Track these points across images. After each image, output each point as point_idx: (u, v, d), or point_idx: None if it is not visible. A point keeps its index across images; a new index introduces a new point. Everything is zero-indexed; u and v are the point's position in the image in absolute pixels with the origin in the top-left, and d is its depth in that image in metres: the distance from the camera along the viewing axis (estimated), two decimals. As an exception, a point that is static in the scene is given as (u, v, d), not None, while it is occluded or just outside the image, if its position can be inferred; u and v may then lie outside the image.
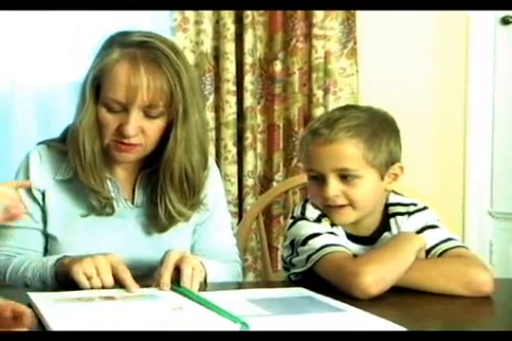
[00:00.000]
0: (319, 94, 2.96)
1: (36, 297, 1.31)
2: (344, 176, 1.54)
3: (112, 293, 1.39)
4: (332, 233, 1.57)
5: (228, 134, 2.90)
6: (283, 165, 2.97)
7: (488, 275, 1.48)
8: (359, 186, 1.55)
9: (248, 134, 2.91)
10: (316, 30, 2.94)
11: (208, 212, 1.75)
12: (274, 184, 2.89)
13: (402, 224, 1.62)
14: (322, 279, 1.50)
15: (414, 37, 3.15)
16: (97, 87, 1.59)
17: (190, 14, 2.86)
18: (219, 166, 2.60)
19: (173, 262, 1.47)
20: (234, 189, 2.91)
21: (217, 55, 2.91)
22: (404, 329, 1.16)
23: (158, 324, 1.17)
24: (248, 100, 2.90)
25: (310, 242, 1.55)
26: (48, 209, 1.67)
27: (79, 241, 1.65)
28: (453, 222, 2.74)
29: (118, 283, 1.44)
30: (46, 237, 1.68)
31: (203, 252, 1.72)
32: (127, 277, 1.43)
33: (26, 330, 1.10)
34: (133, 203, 1.70)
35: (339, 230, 1.60)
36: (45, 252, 1.68)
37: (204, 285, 1.51)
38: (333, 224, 1.60)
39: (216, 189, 1.78)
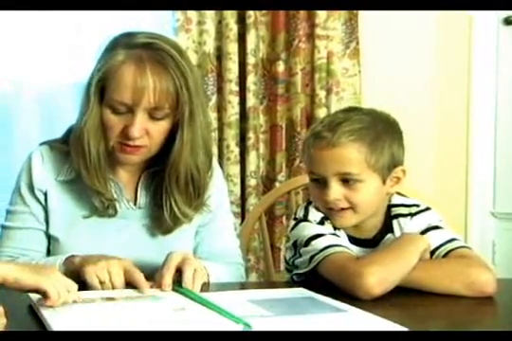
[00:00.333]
0: (321, 94, 2.96)
1: (37, 298, 1.31)
2: (346, 180, 1.54)
3: (113, 294, 1.39)
4: (335, 234, 1.57)
5: (231, 135, 2.90)
6: (285, 165, 2.97)
7: (491, 275, 1.48)
8: (361, 190, 1.54)
9: (251, 135, 2.90)
10: (318, 31, 2.94)
11: (211, 214, 1.74)
12: (277, 184, 2.89)
13: (405, 226, 1.62)
14: (325, 280, 1.50)
15: (417, 37, 3.14)
16: (101, 89, 1.58)
17: (192, 14, 2.86)
18: (222, 166, 2.61)
19: (175, 264, 1.46)
20: (237, 190, 2.90)
21: (220, 55, 2.90)
22: (406, 329, 1.16)
23: (160, 324, 1.17)
24: (251, 101, 2.90)
25: (313, 242, 1.55)
26: (50, 210, 1.67)
27: (81, 242, 1.65)
28: (456, 222, 2.75)
29: (130, 286, 1.44)
30: (49, 238, 1.68)
31: (206, 254, 1.72)
32: (140, 278, 1.43)
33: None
34: (135, 204, 1.69)
35: (341, 233, 1.60)
36: (48, 253, 1.68)
37: (207, 287, 1.51)
38: (335, 227, 1.59)
39: (220, 190, 1.77)
